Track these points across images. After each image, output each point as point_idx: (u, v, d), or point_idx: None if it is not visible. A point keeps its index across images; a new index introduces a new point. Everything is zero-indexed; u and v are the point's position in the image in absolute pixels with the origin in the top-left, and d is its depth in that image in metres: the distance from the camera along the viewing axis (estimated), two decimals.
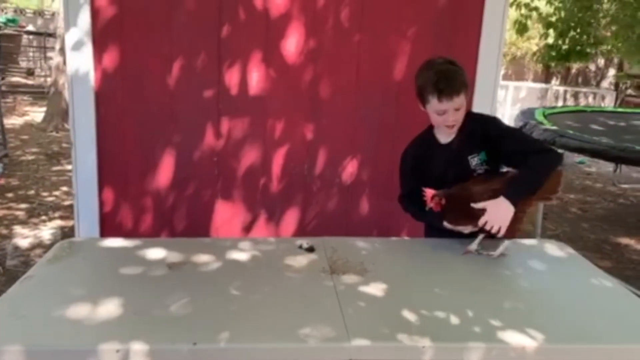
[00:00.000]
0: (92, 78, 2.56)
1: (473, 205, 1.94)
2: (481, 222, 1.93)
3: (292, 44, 2.64)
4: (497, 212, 1.92)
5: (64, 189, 5.45)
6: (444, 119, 2.01)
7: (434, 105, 1.99)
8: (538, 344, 1.47)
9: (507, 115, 11.16)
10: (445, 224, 2.05)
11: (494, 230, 1.92)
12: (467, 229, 2.03)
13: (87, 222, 2.71)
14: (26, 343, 1.40)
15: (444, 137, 2.11)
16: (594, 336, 1.56)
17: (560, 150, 4.14)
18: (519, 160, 2.01)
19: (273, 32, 2.62)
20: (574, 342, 1.54)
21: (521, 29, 6.70)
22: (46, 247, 3.85)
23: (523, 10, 6.90)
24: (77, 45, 2.52)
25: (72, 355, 1.41)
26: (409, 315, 1.59)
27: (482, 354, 1.50)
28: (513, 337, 1.49)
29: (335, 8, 2.62)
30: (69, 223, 4.43)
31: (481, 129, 2.06)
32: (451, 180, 2.03)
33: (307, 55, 2.66)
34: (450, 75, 1.96)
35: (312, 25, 2.63)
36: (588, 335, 1.57)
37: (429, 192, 1.98)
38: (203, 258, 1.94)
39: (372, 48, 2.66)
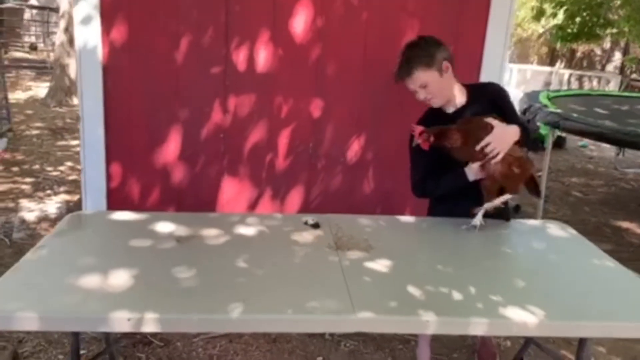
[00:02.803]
0: (100, 52, 2.56)
1: (486, 120, 1.97)
2: (484, 142, 1.94)
3: (299, 22, 2.64)
4: (503, 134, 1.96)
5: (69, 164, 5.48)
6: (419, 97, 2.11)
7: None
8: (539, 320, 1.51)
9: (511, 97, 11.11)
10: (470, 168, 2.06)
11: (493, 153, 1.95)
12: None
13: (93, 196, 2.73)
14: (39, 310, 1.44)
15: (450, 107, 2.16)
16: (594, 313, 1.60)
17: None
18: None
19: (280, 9, 2.61)
20: (574, 319, 1.57)
21: (538, 14, 6.59)
22: (52, 221, 3.89)
23: None
24: (86, 20, 2.52)
25: (84, 322, 1.45)
26: (413, 290, 1.62)
27: (485, 329, 1.54)
28: (515, 313, 1.53)
29: None
30: (74, 197, 4.46)
31: (487, 95, 2.14)
32: None
33: (314, 33, 2.65)
34: (404, 58, 2.07)
35: (320, 3, 2.62)
36: (588, 312, 1.60)
37: (418, 129, 2.01)
38: (211, 232, 1.97)
39: (380, 26, 2.65)
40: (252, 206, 2.82)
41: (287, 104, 2.72)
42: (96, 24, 2.53)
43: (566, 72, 13.02)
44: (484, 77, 2.70)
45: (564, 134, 7.00)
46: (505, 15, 2.66)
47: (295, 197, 2.83)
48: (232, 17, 2.61)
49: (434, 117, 2.14)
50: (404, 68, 2.07)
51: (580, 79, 13.13)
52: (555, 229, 2.19)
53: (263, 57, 2.67)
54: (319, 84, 2.71)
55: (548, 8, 9.20)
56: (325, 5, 2.63)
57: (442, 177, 2.12)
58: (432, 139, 1.99)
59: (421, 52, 2.05)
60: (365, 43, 2.67)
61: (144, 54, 2.62)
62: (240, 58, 2.66)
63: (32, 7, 14.88)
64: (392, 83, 2.66)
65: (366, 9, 2.64)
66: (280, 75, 2.69)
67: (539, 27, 15.02)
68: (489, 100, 2.13)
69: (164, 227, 2.00)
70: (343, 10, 2.64)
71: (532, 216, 4.36)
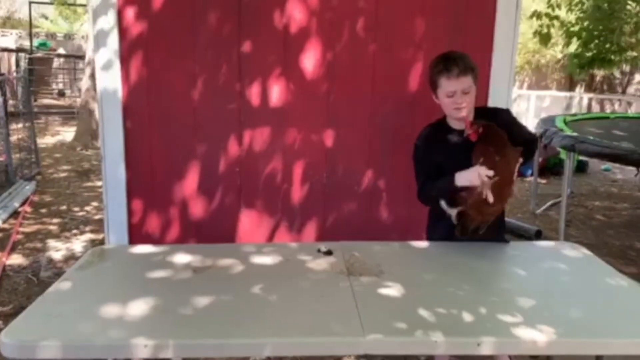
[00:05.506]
0: (120, 94, 2.69)
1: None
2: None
3: (309, 57, 2.73)
4: None
5: (94, 204, 5.63)
6: (454, 101, 2.08)
7: (444, 86, 2.09)
8: (549, 338, 1.52)
9: (530, 126, 11.07)
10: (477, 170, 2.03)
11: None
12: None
13: (116, 232, 2.82)
14: (62, 339, 1.50)
15: (457, 124, 2.18)
16: (607, 331, 1.60)
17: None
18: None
19: (291, 46, 2.72)
20: (586, 337, 1.58)
21: (544, 38, 6.62)
22: (78, 259, 4.00)
23: (544, 20, 6.86)
24: (107, 65, 2.65)
25: (103, 350, 1.51)
26: (422, 312, 1.64)
27: (494, 348, 1.55)
28: (524, 332, 1.54)
29: (351, 21, 2.71)
30: (100, 236, 4.58)
31: (495, 118, 2.14)
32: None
33: (324, 68, 2.74)
34: (456, 57, 2.09)
35: (329, 39, 2.72)
36: (600, 329, 1.60)
37: (467, 119, 2.04)
38: (226, 262, 2.03)
39: (387, 58, 2.73)
40: (270, 237, 2.88)
41: (299, 136, 2.80)
42: (116, 68, 2.67)
43: (586, 97, 12.95)
44: (492, 105, 2.74)
45: (584, 158, 6.95)
46: (510, 44, 2.72)
47: (311, 227, 2.88)
48: (244, 56, 2.72)
49: (440, 132, 2.20)
50: (457, 66, 2.05)
51: (601, 102, 13.02)
52: (568, 250, 2.19)
53: (275, 92, 2.76)
54: (330, 116, 2.79)
55: (562, 36, 9.27)
56: (333, 40, 2.72)
57: (437, 180, 2.14)
58: (480, 130, 2.02)
59: (468, 60, 2.09)
60: (373, 74, 2.75)
61: (162, 93, 2.74)
62: (253, 94, 2.76)
63: (60, 55, 15.47)
64: (401, 111, 2.76)
65: (373, 41, 2.73)
66: (293, 109, 2.78)
67: (557, 54, 15.02)
68: (500, 126, 2.15)
69: (181, 258, 2.06)
70: (351, 44, 2.73)
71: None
